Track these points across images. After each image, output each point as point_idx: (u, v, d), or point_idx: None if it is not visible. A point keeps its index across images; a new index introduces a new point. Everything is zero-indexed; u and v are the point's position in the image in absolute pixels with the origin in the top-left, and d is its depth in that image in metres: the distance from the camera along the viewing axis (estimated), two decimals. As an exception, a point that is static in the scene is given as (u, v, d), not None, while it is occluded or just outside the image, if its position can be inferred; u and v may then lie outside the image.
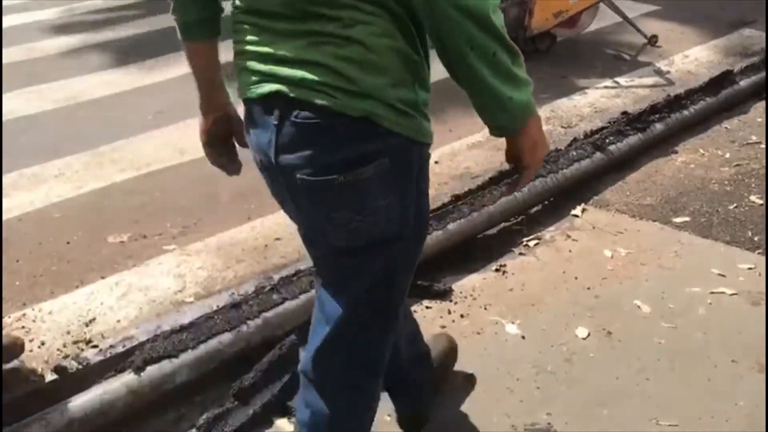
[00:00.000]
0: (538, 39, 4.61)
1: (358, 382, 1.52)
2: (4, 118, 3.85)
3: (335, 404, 1.50)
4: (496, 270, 2.59)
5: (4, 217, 2.92)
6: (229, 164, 1.53)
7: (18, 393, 1.98)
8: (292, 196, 1.31)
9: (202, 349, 2.00)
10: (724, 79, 3.87)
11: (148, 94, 3.83)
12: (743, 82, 3.91)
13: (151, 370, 1.91)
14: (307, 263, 2.55)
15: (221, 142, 1.50)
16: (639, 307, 2.37)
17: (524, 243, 2.74)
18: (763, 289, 2.42)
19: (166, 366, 1.94)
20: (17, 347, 2.05)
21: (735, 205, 2.96)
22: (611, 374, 2.09)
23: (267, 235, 2.78)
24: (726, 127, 3.67)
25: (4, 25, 5.48)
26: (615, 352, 2.18)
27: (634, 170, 3.25)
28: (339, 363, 1.49)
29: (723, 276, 2.50)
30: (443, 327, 2.31)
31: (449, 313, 2.38)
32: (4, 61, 4.54)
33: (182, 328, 2.06)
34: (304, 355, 1.54)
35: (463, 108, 3.87)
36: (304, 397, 1.53)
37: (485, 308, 2.40)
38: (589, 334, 2.26)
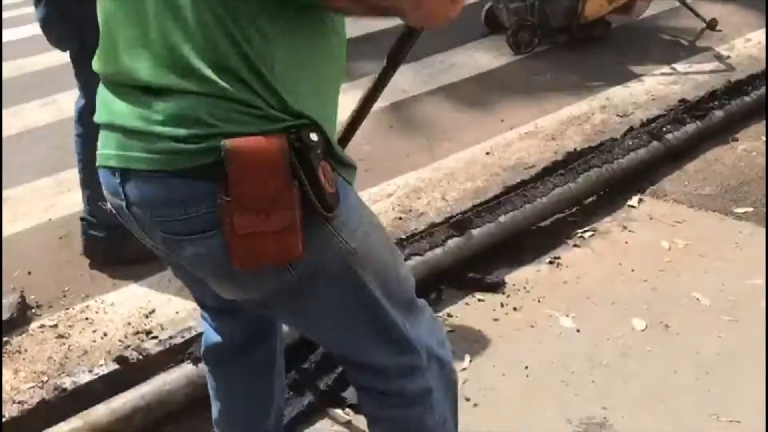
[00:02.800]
0: (592, 26, 4.51)
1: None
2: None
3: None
4: (550, 262, 2.56)
5: (66, 213, 3.01)
6: None
7: (83, 380, 2.06)
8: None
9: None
10: (788, 62, 3.73)
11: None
12: (809, 66, 3.76)
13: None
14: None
15: None
16: (698, 299, 2.32)
17: (579, 234, 2.71)
18: (830, 282, 2.34)
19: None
20: None
21: (799, 194, 2.86)
22: (669, 368, 2.05)
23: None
24: (790, 113, 3.55)
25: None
26: (673, 345, 2.14)
27: (693, 159, 3.17)
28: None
29: (787, 268, 2.43)
30: (496, 320, 2.30)
31: (502, 306, 2.37)
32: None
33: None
34: None
35: (514, 98, 3.87)
36: None
37: (539, 301, 2.38)
38: (646, 327, 2.22)
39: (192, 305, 2.42)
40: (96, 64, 1.18)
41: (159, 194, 1.09)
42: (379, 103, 4.31)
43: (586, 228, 2.74)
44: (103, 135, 1.16)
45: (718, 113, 3.33)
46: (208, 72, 1.03)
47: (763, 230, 2.66)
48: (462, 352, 2.17)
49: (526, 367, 2.10)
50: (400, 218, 2.89)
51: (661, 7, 4.87)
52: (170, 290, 2.50)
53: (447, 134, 3.56)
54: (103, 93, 1.17)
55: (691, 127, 3.21)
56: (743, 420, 1.86)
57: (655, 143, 3.07)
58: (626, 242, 2.65)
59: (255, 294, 1.20)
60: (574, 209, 2.84)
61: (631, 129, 3.26)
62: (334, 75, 1.19)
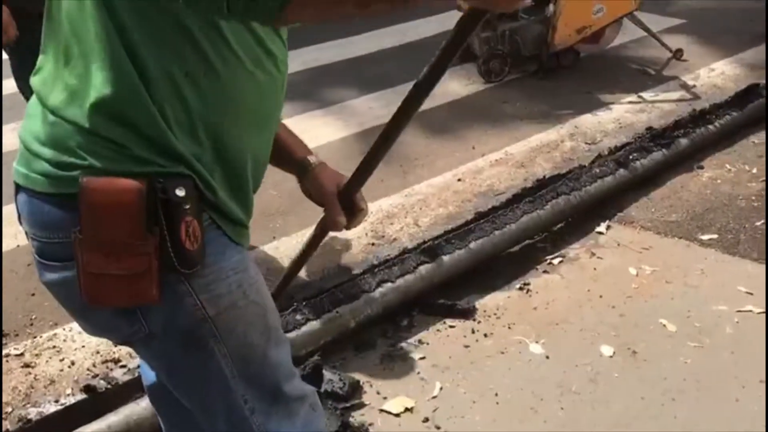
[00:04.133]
0: (561, 55, 4.60)
1: None
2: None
3: None
4: (520, 288, 2.59)
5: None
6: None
7: (49, 410, 2.03)
8: None
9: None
10: (750, 92, 3.83)
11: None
12: (770, 96, 3.86)
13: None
14: (330, 282, 2.57)
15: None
16: (665, 325, 2.35)
17: (548, 261, 2.74)
18: (792, 308, 2.39)
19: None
20: None
21: (763, 221, 2.92)
22: (636, 394, 2.08)
23: (291, 255, 2.80)
24: (753, 141, 3.64)
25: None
26: (640, 371, 2.16)
27: (660, 186, 3.23)
28: None
29: (750, 294, 2.47)
30: (467, 346, 2.32)
31: (473, 332, 2.38)
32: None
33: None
34: None
35: (485, 125, 3.92)
36: None
37: (509, 327, 2.40)
38: (614, 354, 2.25)
39: (161, 333, 2.40)
40: None
41: (33, 212, 1.08)
42: (353, 130, 4.36)
43: (555, 254, 2.77)
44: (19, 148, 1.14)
45: (684, 141, 3.41)
46: (86, 103, 1.01)
47: (728, 256, 2.71)
48: (432, 378, 2.17)
49: (496, 394, 2.11)
50: (373, 244, 2.90)
51: (628, 37, 4.98)
52: (140, 318, 2.47)
53: (420, 161, 3.59)
54: (27, 107, 1.15)
55: (657, 155, 3.28)
56: (709, 445, 1.89)
57: (622, 171, 3.13)
58: (594, 268, 2.68)
59: (111, 337, 1.17)
60: (543, 235, 2.88)
61: (599, 156, 3.32)
62: (248, 123, 1.12)
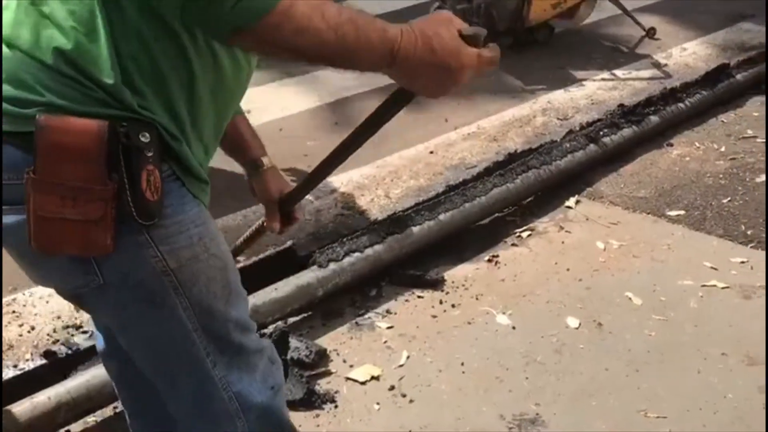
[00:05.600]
0: (536, 30, 4.59)
1: None
2: None
3: None
4: (489, 260, 2.59)
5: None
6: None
7: (7, 375, 1.98)
8: None
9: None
10: (720, 72, 3.86)
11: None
12: (740, 76, 3.90)
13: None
14: (299, 252, 2.55)
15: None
16: (630, 299, 2.37)
17: (517, 234, 2.74)
18: (755, 283, 2.42)
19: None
20: None
21: (729, 198, 2.95)
22: (601, 366, 2.09)
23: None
24: (722, 121, 3.67)
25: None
26: (605, 343, 2.18)
27: (629, 162, 3.25)
28: None
29: (715, 269, 2.50)
30: (434, 316, 2.31)
31: (441, 303, 2.38)
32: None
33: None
34: None
35: (459, 99, 3.90)
36: None
37: (477, 298, 2.40)
38: (579, 325, 2.26)
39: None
40: None
41: None
42: (324, 100, 4.32)
43: (525, 228, 2.78)
44: None
45: (654, 119, 3.43)
46: (51, 42, 0.97)
47: (694, 232, 2.74)
48: (399, 347, 2.17)
49: (462, 364, 2.11)
50: (343, 215, 2.88)
51: (603, 14, 4.99)
52: (103, 284, 2.43)
53: (392, 133, 3.55)
54: None
55: (627, 132, 3.29)
56: (670, 415, 1.91)
57: (592, 146, 3.13)
58: (563, 242, 2.69)
59: (61, 285, 1.12)
60: (513, 209, 2.88)
61: (571, 132, 3.32)
62: (213, 92, 1.10)
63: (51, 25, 0.98)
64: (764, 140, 3.44)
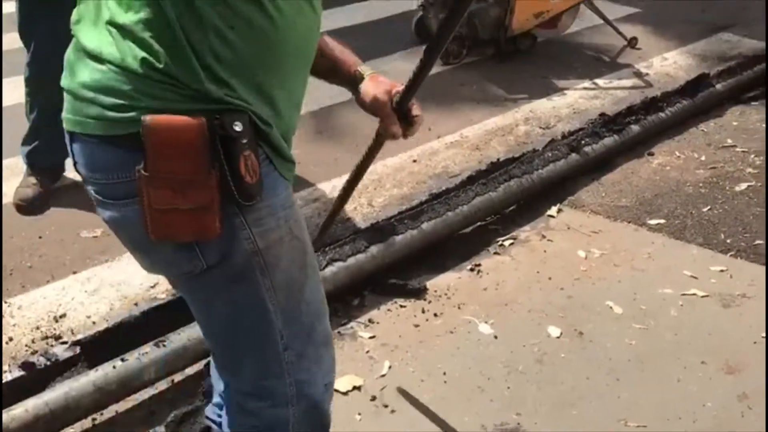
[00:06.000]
0: (518, 39, 4.61)
1: None
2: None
3: None
4: (471, 269, 2.59)
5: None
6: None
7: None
8: None
9: (172, 345, 1.98)
10: (700, 82, 3.90)
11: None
12: (720, 86, 3.94)
13: (119, 367, 1.89)
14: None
15: None
16: (611, 308, 2.39)
17: (499, 243, 2.75)
18: (734, 291, 2.44)
19: (133, 363, 1.91)
20: None
21: (709, 207, 2.98)
22: (582, 375, 2.10)
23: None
24: (702, 130, 3.70)
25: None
26: (586, 352, 2.19)
27: (610, 171, 3.27)
28: None
29: (695, 278, 2.52)
30: (417, 326, 2.32)
31: (423, 312, 2.38)
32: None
33: (152, 325, 2.05)
34: None
35: (442, 107, 3.91)
36: None
37: (459, 307, 2.40)
38: (561, 335, 2.27)
39: (105, 309, 2.34)
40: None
41: (90, 156, 1.12)
42: (307, 108, 4.30)
43: (507, 236, 2.79)
44: (64, 98, 1.17)
45: (635, 128, 3.45)
46: (136, 52, 1.04)
47: (674, 241, 2.76)
48: (381, 357, 2.17)
49: (444, 373, 2.11)
50: (325, 224, 2.88)
51: (585, 24, 5.02)
52: (83, 294, 2.41)
53: (374, 141, 3.56)
54: (67, 53, 1.17)
55: (609, 141, 3.31)
56: (649, 425, 1.92)
57: (574, 155, 3.15)
58: (545, 251, 2.70)
59: (165, 273, 1.23)
60: (495, 217, 2.89)
61: (553, 141, 3.34)
62: (291, 69, 1.16)
63: (132, 38, 1.05)
64: (743, 149, 3.48)
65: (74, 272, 2.53)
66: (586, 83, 4.29)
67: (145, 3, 1.03)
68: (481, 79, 4.33)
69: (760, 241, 2.72)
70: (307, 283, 1.23)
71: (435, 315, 2.37)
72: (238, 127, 1.06)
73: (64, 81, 1.14)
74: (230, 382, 1.32)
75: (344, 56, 1.43)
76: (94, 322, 2.27)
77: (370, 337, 2.26)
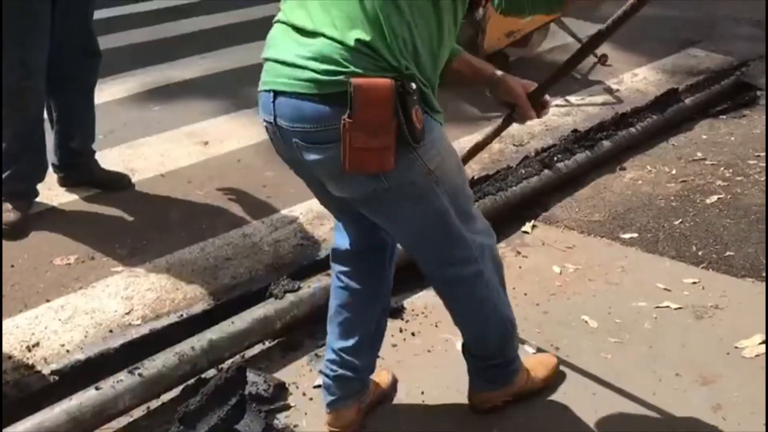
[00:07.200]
0: (491, 59, 4.66)
1: None
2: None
3: None
4: (447, 287, 2.60)
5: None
6: None
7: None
8: None
9: (147, 372, 1.97)
10: (669, 97, 3.97)
11: (98, 114, 3.79)
12: (688, 100, 4.02)
13: (93, 396, 1.87)
14: (257, 284, 2.54)
15: None
16: (587, 322, 2.41)
17: (475, 260, 2.76)
18: (707, 303, 2.47)
19: (108, 391, 1.89)
20: None
21: (680, 220, 3.02)
22: (559, 390, 2.11)
23: (217, 256, 2.75)
24: (673, 144, 3.77)
25: None
26: (562, 367, 2.20)
27: (583, 187, 3.31)
28: None
29: (668, 290, 2.55)
30: (394, 345, 2.32)
31: (401, 331, 2.39)
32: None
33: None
34: None
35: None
36: None
37: (436, 326, 2.41)
38: (537, 350, 2.28)
39: (79, 337, 2.32)
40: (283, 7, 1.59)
41: (299, 111, 1.50)
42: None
43: (483, 254, 2.80)
44: (266, 67, 1.58)
45: (607, 143, 3.50)
46: (350, 33, 1.45)
47: (647, 254, 2.79)
48: (359, 379, 2.16)
49: (423, 392, 2.11)
50: (302, 245, 2.87)
51: (555, 42, 5.09)
52: (56, 322, 2.38)
53: (350, 161, 3.58)
54: (272, 35, 1.59)
55: (581, 157, 3.36)
56: (626, 438, 1.94)
57: (547, 172, 3.19)
58: (520, 267, 2.72)
59: (357, 194, 1.61)
60: (471, 235, 2.90)
61: (526, 158, 3.37)
62: (438, 64, 1.58)
63: (349, 21, 1.46)
64: (713, 162, 3.54)
65: (47, 300, 2.51)
66: (558, 100, 4.34)
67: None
68: (455, 97, 4.37)
69: (731, 253, 2.77)
70: (465, 181, 1.76)
71: (412, 334, 2.37)
72: (411, 88, 1.45)
73: (269, 53, 1.57)
74: (429, 268, 1.83)
75: (480, 65, 1.87)
76: (68, 351, 2.24)
77: (348, 358, 2.25)
